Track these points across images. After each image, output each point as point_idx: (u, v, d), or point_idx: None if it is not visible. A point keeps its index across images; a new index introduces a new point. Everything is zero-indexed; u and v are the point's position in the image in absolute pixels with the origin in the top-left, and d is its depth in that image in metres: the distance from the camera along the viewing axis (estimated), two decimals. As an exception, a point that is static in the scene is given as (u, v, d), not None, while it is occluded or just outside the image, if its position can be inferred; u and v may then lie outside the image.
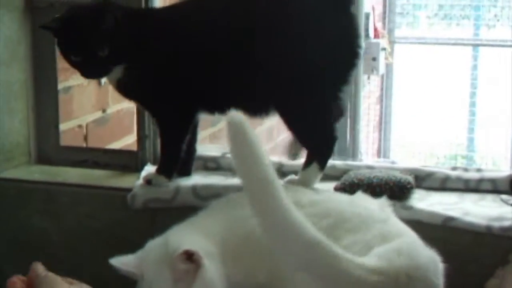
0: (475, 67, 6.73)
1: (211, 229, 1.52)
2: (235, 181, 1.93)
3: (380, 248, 1.36)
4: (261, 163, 1.24)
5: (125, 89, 1.86)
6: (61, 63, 2.19)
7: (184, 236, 1.49)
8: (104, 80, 2.15)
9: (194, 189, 1.89)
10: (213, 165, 2.06)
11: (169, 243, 1.45)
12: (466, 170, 1.96)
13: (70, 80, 2.29)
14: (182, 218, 1.89)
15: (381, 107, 6.35)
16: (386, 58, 5.89)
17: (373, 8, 5.78)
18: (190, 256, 1.39)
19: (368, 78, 5.82)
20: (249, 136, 1.24)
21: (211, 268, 1.41)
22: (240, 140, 1.25)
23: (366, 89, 5.77)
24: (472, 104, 6.76)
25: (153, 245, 1.49)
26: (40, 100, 2.15)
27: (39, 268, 1.20)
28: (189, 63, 1.78)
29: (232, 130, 1.25)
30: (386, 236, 1.42)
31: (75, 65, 1.79)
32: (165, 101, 1.84)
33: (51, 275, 1.19)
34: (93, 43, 1.74)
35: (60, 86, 2.19)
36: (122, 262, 1.45)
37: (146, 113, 2.06)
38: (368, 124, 5.93)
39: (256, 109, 1.78)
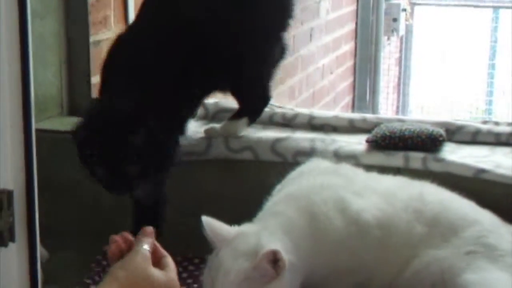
0: (495, 29, 6.69)
1: (297, 224, 1.51)
2: (266, 133, 1.95)
3: None
4: None
5: None
6: (93, 17, 2.21)
7: (276, 236, 1.46)
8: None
9: (226, 141, 1.91)
10: (244, 118, 2.07)
11: (261, 239, 1.43)
12: (497, 123, 1.97)
13: (100, 34, 2.30)
14: (215, 170, 1.93)
15: (400, 68, 6.32)
16: (406, 20, 5.86)
17: (394, -31, 5.74)
18: (276, 260, 1.37)
19: (388, 39, 5.80)
20: None
21: (286, 280, 1.39)
22: None
23: (386, 50, 5.75)
24: (492, 67, 6.73)
25: (244, 233, 1.47)
26: (72, 53, 2.17)
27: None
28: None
29: None
30: None
31: (99, 178, 1.63)
32: None
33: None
34: (121, 158, 1.58)
35: (90, 39, 2.21)
36: (211, 226, 1.44)
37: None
38: (388, 85, 5.92)
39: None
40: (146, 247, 1.21)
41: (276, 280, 1.38)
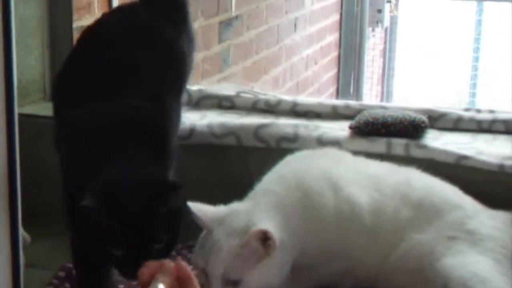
0: (479, 22, 6.71)
1: (289, 202, 1.52)
2: (249, 119, 1.95)
3: None
4: None
5: None
6: (76, 2, 2.20)
7: (268, 214, 1.47)
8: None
9: (210, 127, 1.91)
10: (227, 104, 2.07)
11: (254, 220, 1.44)
12: (478, 111, 1.98)
13: (83, 19, 2.29)
14: (197, 156, 1.93)
15: (384, 60, 6.34)
16: (390, 11, 5.87)
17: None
18: (265, 239, 1.39)
19: (373, 30, 5.80)
20: None
21: (277, 258, 1.42)
22: None
23: (371, 42, 5.76)
24: (476, 59, 6.75)
25: (236, 212, 1.48)
26: (56, 37, 2.16)
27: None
28: None
29: None
30: None
31: (116, 260, 1.32)
32: None
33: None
34: (150, 232, 1.28)
35: (74, 25, 2.20)
36: (200, 209, 1.45)
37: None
38: (372, 76, 5.93)
39: None
40: (161, 286, 1.13)
41: (267, 259, 1.41)
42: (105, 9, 2.32)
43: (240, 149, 1.89)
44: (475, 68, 6.76)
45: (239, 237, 1.41)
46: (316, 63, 4.64)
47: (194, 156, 1.91)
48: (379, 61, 6.22)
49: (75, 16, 2.19)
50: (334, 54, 5.07)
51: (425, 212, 1.56)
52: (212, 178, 1.91)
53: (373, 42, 5.90)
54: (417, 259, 1.51)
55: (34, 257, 1.74)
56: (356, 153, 1.75)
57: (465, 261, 1.46)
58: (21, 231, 1.68)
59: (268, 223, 1.43)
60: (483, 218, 1.58)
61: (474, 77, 6.74)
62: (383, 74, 6.32)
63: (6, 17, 1.25)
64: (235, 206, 1.51)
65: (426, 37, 6.98)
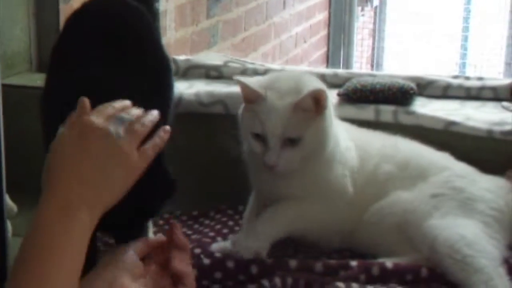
0: (468, 1, 6.71)
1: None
2: (237, 88, 1.93)
3: None
4: None
5: None
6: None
7: (318, 83, 1.55)
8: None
9: (197, 95, 1.90)
10: (215, 74, 2.06)
11: (303, 80, 1.52)
12: (467, 78, 1.98)
13: (70, -10, 2.27)
14: (185, 124, 1.92)
15: (374, 39, 6.33)
16: (380, -10, 5.86)
17: None
18: (318, 100, 1.46)
19: (362, 9, 5.79)
20: None
21: (328, 119, 1.49)
22: None
23: (360, 21, 5.75)
24: (465, 39, 6.76)
25: (280, 76, 1.56)
26: (41, 8, 2.14)
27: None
28: None
29: None
30: None
31: None
32: None
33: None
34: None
35: (60, -4, 2.18)
36: (250, 80, 1.51)
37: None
38: (362, 55, 5.92)
39: None
40: (131, 253, 1.16)
41: (320, 118, 1.47)
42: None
43: (228, 117, 1.88)
44: (464, 48, 6.77)
45: (291, 97, 1.46)
46: (305, 41, 4.63)
47: (181, 124, 1.89)
48: (368, 41, 6.21)
49: (61, -10, 2.18)
50: (323, 32, 5.06)
51: (410, 171, 1.57)
52: (200, 146, 1.90)
53: (363, 21, 5.88)
54: (399, 215, 1.52)
55: (21, 227, 1.72)
56: (344, 119, 1.73)
57: (453, 223, 1.46)
58: (8, 201, 1.69)
59: (318, 84, 1.51)
60: (475, 179, 1.58)
61: (463, 56, 6.74)
62: (372, 54, 6.31)
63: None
64: (275, 74, 1.62)
65: (416, 16, 6.97)
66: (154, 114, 1.19)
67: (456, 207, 1.49)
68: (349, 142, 1.60)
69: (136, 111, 1.17)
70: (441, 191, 1.53)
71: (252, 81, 1.51)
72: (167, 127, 1.21)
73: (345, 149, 1.57)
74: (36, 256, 1.02)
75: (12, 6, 2.07)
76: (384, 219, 1.53)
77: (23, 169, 1.89)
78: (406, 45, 6.95)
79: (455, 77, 1.99)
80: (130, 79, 1.34)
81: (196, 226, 1.73)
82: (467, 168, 1.62)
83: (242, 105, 1.55)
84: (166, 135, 1.20)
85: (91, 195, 1.07)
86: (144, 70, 1.39)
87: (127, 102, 1.18)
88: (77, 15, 1.43)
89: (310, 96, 1.45)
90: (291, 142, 1.46)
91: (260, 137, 1.48)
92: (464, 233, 1.44)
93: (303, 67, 2.09)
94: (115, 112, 1.14)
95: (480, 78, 1.97)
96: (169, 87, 1.51)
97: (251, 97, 1.50)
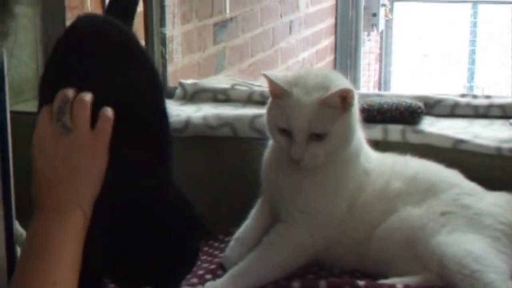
0: (474, 25, 6.72)
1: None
2: (245, 111, 1.94)
3: None
4: None
5: None
6: (69, 1, 2.19)
7: (344, 81, 1.57)
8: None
9: (205, 118, 1.90)
10: (222, 97, 2.06)
11: (330, 77, 1.54)
12: (475, 97, 1.97)
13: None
14: (193, 148, 1.92)
15: (381, 64, 6.34)
16: (385, 15, 5.88)
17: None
18: (345, 98, 1.49)
19: (368, 34, 5.81)
20: None
21: (353, 116, 1.53)
22: None
23: (367, 46, 5.76)
24: (472, 62, 6.77)
25: (308, 73, 1.56)
26: (48, 34, 2.14)
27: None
28: None
29: None
30: None
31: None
32: None
33: None
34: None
35: (67, 23, 2.19)
36: (276, 76, 1.53)
37: (155, 46, 2.06)
38: (368, 80, 5.93)
39: None
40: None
41: (345, 115, 1.50)
42: (99, 8, 2.32)
43: (236, 140, 1.88)
44: (471, 71, 6.77)
45: (318, 93, 1.48)
46: (312, 67, 4.64)
47: (189, 148, 1.90)
48: (375, 66, 6.22)
49: (68, 15, 2.18)
50: (330, 58, 5.07)
51: (419, 187, 1.57)
52: (208, 169, 1.89)
53: (369, 46, 5.90)
54: (408, 232, 1.51)
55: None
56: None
57: (461, 239, 1.45)
58: (17, 227, 1.68)
59: (345, 83, 1.54)
60: (483, 196, 1.57)
61: (470, 79, 6.75)
62: (379, 78, 6.32)
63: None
64: (302, 70, 1.63)
65: (422, 41, 6.98)
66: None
67: (464, 223, 1.49)
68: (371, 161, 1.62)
69: (70, 94, 1.18)
70: (450, 208, 1.52)
71: (279, 77, 1.54)
72: (108, 109, 1.18)
73: (365, 159, 1.61)
74: (36, 255, 1.10)
75: (20, 33, 2.08)
76: (393, 235, 1.52)
77: (30, 194, 1.90)
78: (413, 70, 6.96)
79: (463, 95, 1.99)
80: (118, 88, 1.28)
81: (205, 248, 1.73)
82: (476, 187, 1.62)
83: (269, 100, 1.58)
84: (110, 112, 1.18)
85: (77, 193, 1.14)
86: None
87: (66, 90, 1.19)
88: (64, 41, 1.36)
89: (337, 94, 1.48)
90: (316, 137, 1.49)
91: (286, 132, 1.51)
92: (472, 249, 1.43)
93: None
94: (58, 106, 1.17)
95: (488, 97, 1.96)
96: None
97: (277, 93, 1.53)
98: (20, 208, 1.52)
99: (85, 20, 1.37)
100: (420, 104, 1.86)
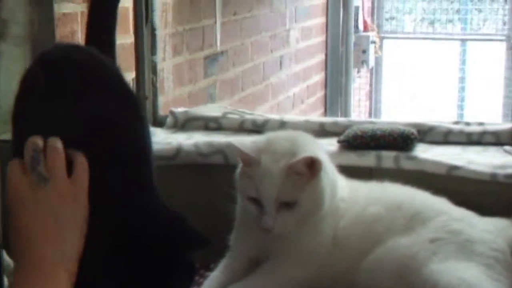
0: (463, 62, 6.77)
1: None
2: (236, 138, 1.92)
3: None
4: None
5: None
6: (59, 31, 2.19)
7: (312, 146, 1.55)
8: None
9: (197, 146, 1.88)
10: (214, 125, 2.05)
11: (298, 142, 1.52)
12: (468, 124, 1.96)
13: (67, 47, 2.27)
14: (184, 175, 1.89)
15: (371, 101, 6.36)
16: (375, 52, 5.91)
17: (363, 2, 5.81)
18: (312, 165, 1.46)
19: (358, 71, 5.84)
20: None
21: (323, 180, 1.49)
22: None
23: (357, 82, 5.78)
24: (461, 99, 6.80)
25: (276, 138, 1.54)
26: (39, 63, 2.13)
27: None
28: None
29: None
30: None
31: None
32: None
33: None
34: None
35: (57, 52, 2.18)
36: (244, 145, 1.52)
37: (146, 74, 2.05)
38: (359, 116, 5.94)
39: None
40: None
41: (314, 181, 1.47)
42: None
43: (228, 167, 1.85)
44: (461, 108, 6.80)
45: (285, 159, 1.46)
46: (302, 102, 4.64)
47: (181, 176, 1.88)
48: (365, 103, 6.24)
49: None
50: (320, 93, 5.08)
51: (405, 214, 1.54)
52: (199, 197, 1.87)
53: (359, 82, 5.92)
54: (398, 262, 1.48)
55: None
56: (345, 167, 1.71)
57: (454, 266, 1.42)
58: (5, 256, 1.65)
59: (312, 148, 1.51)
60: (473, 222, 1.55)
61: (460, 116, 6.76)
62: (370, 115, 6.33)
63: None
64: (269, 135, 1.59)
65: (411, 78, 7.02)
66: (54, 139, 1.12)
67: (455, 250, 1.46)
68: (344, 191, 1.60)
69: (40, 142, 1.12)
70: (439, 235, 1.49)
71: (248, 146, 1.51)
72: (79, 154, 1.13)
73: (340, 200, 1.57)
74: None
75: (9, 61, 2.07)
76: (382, 266, 1.49)
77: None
78: (403, 105, 6.98)
79: (456, 122, 1.98)
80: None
81: (196, 277, 1.69)
82: (464, 212, 1.60)
83: (240, 166, 1.54)
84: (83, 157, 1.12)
85: (62, 247, 1.07)
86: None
87: (34, 138, 1.13)
88: (28, 71, 1.31)
89: (302, 162, 1.45)
90: (286, 205, 1.47)
91: (256, 201, 1.48)
92: (465, 277, 1.40)
93: (302, 117, 2.08)
94: (30, 155, 1.11)
95: (481, 123, 1.96)
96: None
97: (246, 161, 1.50)
98: (7, 237, 1.49)
99: (51, 49, 1.33)
100: (414, 130, 1.85)
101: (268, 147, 1.49)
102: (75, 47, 1.36)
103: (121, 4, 2.50)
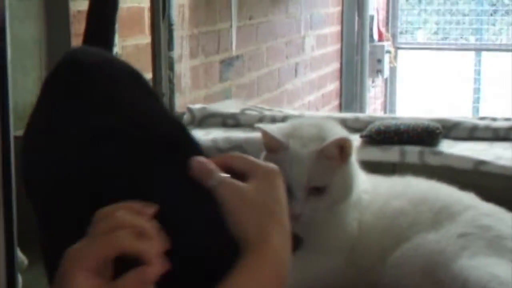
0: (478, 72, 6.72)
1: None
2: (254, 134, 1.88)
3: None
4: None
5: None
6: (75, 28, 2.16)
7: (340, 131, 1.51)
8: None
9: (214, 141, 1.84)
10: (232, 122, 2.01)
11: (325, 127, 1.48)
12: (494, 119, 1.91)
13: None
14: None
15: (385, 111, 6.32)
16: (390, 62, 5.87)
17: (377, 12, 5.78)
18: (342, 147, 1.43)
19: (373, 81, 5.79)
20: None
21: (353, 166, 1.46)
22: None
23: (372, 92, 5.74)
24: (476, 110, 6.75)
25: (302, 124, 1.50)
26: (53, 59, 2.10)
27: None
28: None
29: None
30: None
31: None
32: None
33: None
34: None
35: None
36: (271, 129, 1.47)
37: (163, 71, 2.01)
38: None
39: None
40: None
41: (344, 166, 1.44)
42: (104, 36, 2.28)
43: (247, 163, 1.82)
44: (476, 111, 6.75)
45: (315, 144, 1.42)
46: (317, 110, 4.60)
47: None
48: (381, 113, 6.20)
49: (73, 42, 2.15)
50: (335, 102, 5.04)
51: (431, 209, 1.48)
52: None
53: (374, 92, 5.88)
54: (426, 258, 1.42)
55: (31, 281, 1.67)
56: (368, 162, 1.66)
57: (484, 262, 1.37)
58: (19, 254, 1.63)
59: (341, 132, 1.48)
60: (502, 217, 1.49)
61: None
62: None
63: (2, 38, 1.20)
64: (294, 121, 1.55)
65: (426, 88, 6.98)
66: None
67: (485, 246, 1.41)
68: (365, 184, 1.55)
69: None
70: (468, 230, 1.44)
71: (274, 129, 1.47)
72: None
73: (363, 192, 1.52)
74: None
75: (24, 58, 2.04)
76: (408, 262, 1.44)
77: (34, 221, 1.84)
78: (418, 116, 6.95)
79: (481, 118, 1.93)
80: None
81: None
82: (493, 207, 1.54)
83: (263, 154, 1.49)
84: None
85: None
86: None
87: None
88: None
89: (334, 144, 1.41)
90: (316, 190, 1.42)
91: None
92: (496, 272, 1.35)
93: (322, 113, 2.04)
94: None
95: (508, 119, 1.91)
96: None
97: (273, 146, 1.45)
98: (23, 236, 1.47)
99: (77, 51, 1.17)
100: (438, 125, 1.80)
101: (295, 132, 1.45)
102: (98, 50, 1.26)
103: (137, 4, 2.51)
